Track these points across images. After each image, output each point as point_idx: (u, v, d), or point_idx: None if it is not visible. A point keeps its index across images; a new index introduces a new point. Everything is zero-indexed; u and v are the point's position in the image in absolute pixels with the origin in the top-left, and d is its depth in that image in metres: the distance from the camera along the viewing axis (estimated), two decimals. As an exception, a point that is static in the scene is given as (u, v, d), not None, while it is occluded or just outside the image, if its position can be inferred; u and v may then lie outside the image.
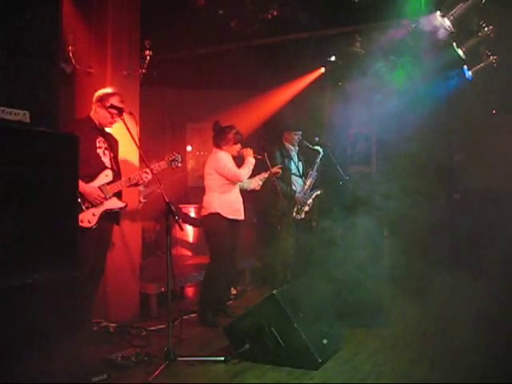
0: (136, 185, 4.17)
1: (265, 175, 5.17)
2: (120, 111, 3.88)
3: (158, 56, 5.02)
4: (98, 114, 3.97)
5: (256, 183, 5.15)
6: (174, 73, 6.92)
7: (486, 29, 5.10)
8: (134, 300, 4.88)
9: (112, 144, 4.11)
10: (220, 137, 4.89)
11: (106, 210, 3.88)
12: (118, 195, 4.01)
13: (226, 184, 4.79)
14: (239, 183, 4.93)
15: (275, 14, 5.58)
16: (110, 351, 3.73)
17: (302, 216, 5.59)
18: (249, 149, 4.94)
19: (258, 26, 5.85)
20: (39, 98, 2.76)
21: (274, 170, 5.17)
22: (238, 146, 4.91)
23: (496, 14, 5.00)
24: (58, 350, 2.66)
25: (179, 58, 6.65)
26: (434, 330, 4.46)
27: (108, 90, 4.08)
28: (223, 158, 4.81)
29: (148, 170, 4.07)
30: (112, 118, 3.96)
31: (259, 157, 4.95)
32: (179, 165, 4.39)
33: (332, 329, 4.04)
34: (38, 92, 2.76)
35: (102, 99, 3.94)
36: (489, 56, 5.74)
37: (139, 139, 3.95)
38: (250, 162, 4.85)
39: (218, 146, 4.89)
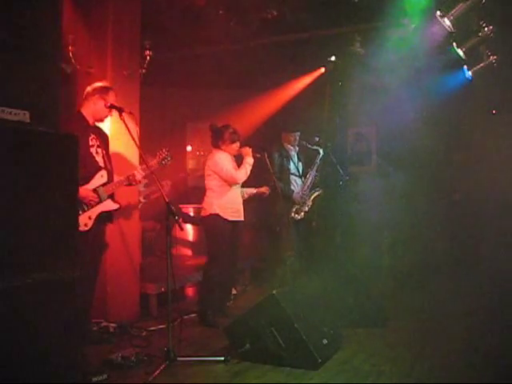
0: (130, 184, 4.17)
1: (253, 191, 5.14)
2: (120, 111, 3.81)
3: (158, 56, 5.02)
4: (94, 106, 3.92)
5: (243, 194, 5.02)
6: (173, 73, 6.92)
7: (485, 29, 5.09)
8: (134, 300, 4.87)
9: (103, 139, 4.08)
10: (217, 137, 4.89)
11: (102, 212, 3.87)
12: (111, 196, 3.99)
13: (226, 185, 4.78)
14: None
15: (275, 13, 5.58)
16: (110, 351, 3.73)
17: (302, 216, 5.58)
18: (247, 148, 4.92)
19: (257, 26, 5.84)
20: (39, 98, 2.75)
21: (262, 189, 5.19)
22: (237, 144, 4.90)
23: (496, 14, 5.00)
24: (57, 350, 2.66)
25: (179, 57, 6.65)
26: (434, 329, 4.46)
27: (105, 83, 4.04)
28: (221, 158, 4.80)
29: (139, 168, 4.09)
30: (109, 111, 3.94)
31: (258, 155, 4.97)
32: (169, 163, 4.30)
33: (332, 329, 4.03)
34: (38, 92, 2.75)
35: (102, 92, 3.91)
36: (489, 56, 5.74)
37: (139, 139, 3.94)
38: (248, 162, 4.83)
39: (217, 146, 4.90)
